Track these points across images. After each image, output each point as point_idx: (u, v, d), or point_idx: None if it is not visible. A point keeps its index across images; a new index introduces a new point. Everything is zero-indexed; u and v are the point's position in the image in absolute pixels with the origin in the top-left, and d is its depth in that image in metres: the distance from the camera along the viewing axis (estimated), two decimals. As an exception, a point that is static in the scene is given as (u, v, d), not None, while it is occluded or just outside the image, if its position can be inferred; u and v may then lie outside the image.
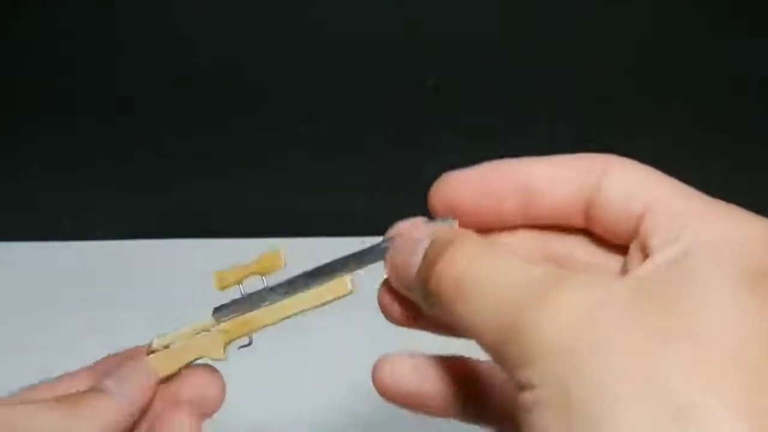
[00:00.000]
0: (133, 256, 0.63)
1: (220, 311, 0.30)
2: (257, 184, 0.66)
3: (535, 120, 0.65)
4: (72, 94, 0.63)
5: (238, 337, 0.30)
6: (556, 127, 0.65)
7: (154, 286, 0.59)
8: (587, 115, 0.65)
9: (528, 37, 0.63)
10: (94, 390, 0.28)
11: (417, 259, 0.26)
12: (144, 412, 0.29)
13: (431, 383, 0.28)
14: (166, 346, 0.30)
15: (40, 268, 0.62)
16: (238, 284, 0.30)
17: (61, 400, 0.28)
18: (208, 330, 0.30)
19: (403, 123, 0.65)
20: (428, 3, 0.62)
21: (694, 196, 0.24)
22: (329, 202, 0.66)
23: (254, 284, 0.30)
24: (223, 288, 0.30)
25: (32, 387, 0.30)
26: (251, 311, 0.30)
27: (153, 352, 0.30)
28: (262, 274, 0.30)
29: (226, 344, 0.30)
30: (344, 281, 0.28)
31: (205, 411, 0.30)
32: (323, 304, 0.29)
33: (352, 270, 0.28)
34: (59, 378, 0.30)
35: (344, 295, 0.28)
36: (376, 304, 0.29)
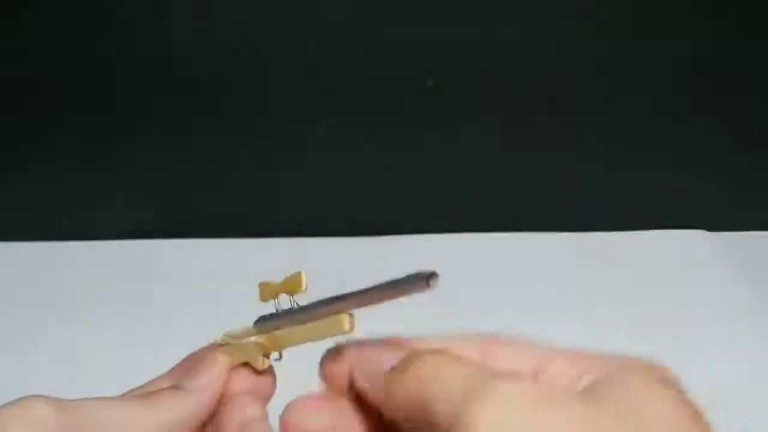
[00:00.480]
0: (133, 256, 0.63)
1: (259, 322, 0.31)
2: (257, 184, 0.66)
3: (536, 120, 0.65)
4: (72, 94, 0.63)
5: (272, 350, 0.31)
6: (556, 127, 0.65)
7: (154, 286, 0.59)
8: (587, 115, 0.65)
9: (528, 37, 0.63)
10: (173, 387, 0.31)
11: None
12: (218, 403, 0.31)
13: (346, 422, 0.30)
14: (229, 344, 0.32)
15: (40, 268, 0.62)
16: (274, 299, 0.31)
17: (145, 395, 0.31)
18: (251, 336, 0.32)
19: (403, 123, 0.65)
20: (428, 3, 0.62)
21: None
22: (329, 202, 0.66)
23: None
24: (264, 300, 0.31)
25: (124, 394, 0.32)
26: (278, 330, 0.31)
27: (221, 345, 0.32)
28: (288, 293, 0.30)
29: (264, 355, 0.31)
30: (343, 321, 0.28)
31: (261, 398, 0.32)
32: (333, 335, 0.29)
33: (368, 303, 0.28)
34: (145, 384, 0.33)
35: (343, 333, 0.29)
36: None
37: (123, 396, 0.31)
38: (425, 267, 0.25)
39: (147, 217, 0.66)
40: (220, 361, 0.32)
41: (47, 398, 0.28)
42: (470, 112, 0.65)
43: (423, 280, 0.25)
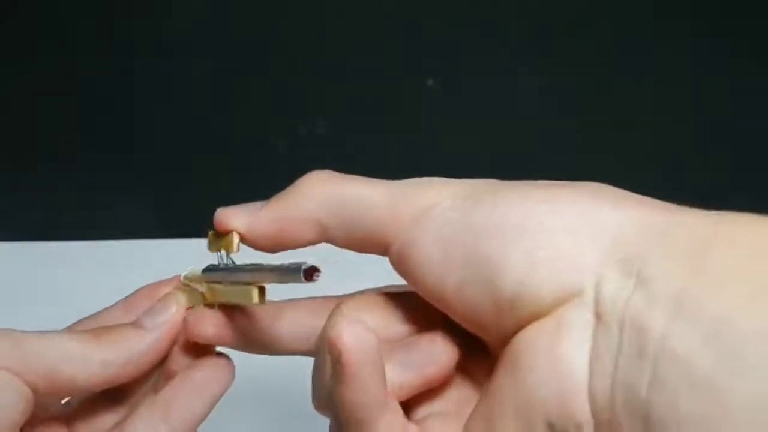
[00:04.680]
0: (133, 256, 0.63)
1: (206, 271, 0.32)
2: (257, 184, 0.66)
3: (536, 120, 0.65)
4: (72, 93, 0.63)
5: (209, 302, 0.31)
6: (556, 127, 0.65)
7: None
8: (587, 115, 0.65)
9: (529, 38, 0.63)
10: (132, 324, 0.31)
11: None
12: (172, 345, 0.31)
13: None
14: (186, 285, 0.32)
15: (40, 268, 0.62)
16: (218, 252, 0.31)
17: (93, 331, 0.30)
18: (201, 282, 0.32)
19: (403, 123, 0.65)
20: (428, 3, 0.62)
21: None
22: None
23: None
24: (210, 251, 0.31)
25: (73, 324, 0.32)
26: (210, 283, 0.31)
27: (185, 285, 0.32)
28: (225, 251, 0.31)
29: (205, 305, 0.31)
30: (252, 292, 0.29)
31: (216, 389, 0.31)
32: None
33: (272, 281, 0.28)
34: (98, 314, 0.32)
35: (252, 304, 0.29)
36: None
37: (79, 330, 0.30)
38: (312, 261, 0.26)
39: (147, 217, 0.66)
40: (180, 301, 0.31)
41: (2, 330, 0.28)
42: (470, 112, 0.65)
43: (300, 272, 0.26)
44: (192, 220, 0.66)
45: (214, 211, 0.35)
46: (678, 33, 0.63)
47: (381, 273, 0.29)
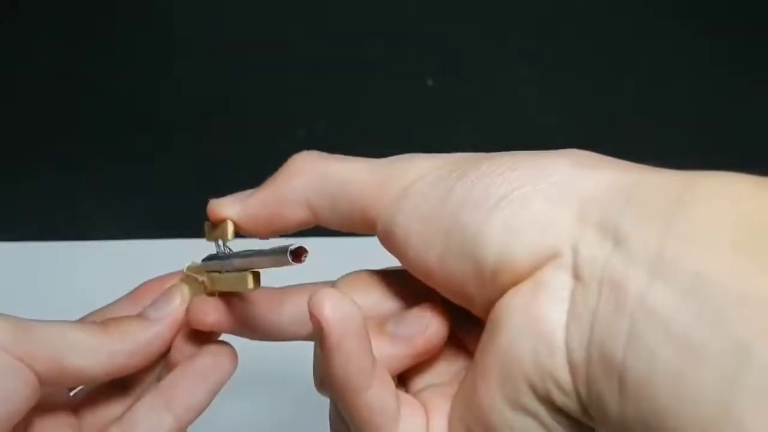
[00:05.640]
0: (133, 256, 0.63)
1: (205, 260, 0.32)
2: (257, 184, 0.66)
3: (536, 120, 0.65)
4: (72, 93, 0.63)
5: (210, 290, 0.31)
6: (556, 128, 0.65)
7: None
8: (587, 116, 0.65)
9: (529, 37, 0.63)
10: (137, 316, 0.31)
11: None
12: (174, 335, 0.32)
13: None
14: (188, 276, 0.32)
15: (40, 268, 0.62)
16: (215, 241, 0.31)
17: (109, 321, 0.31)
18: (202, 272, 0.32)
19: (403, 123, 0.65)
20: (428, 3, 0.62)
21: None
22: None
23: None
24: (208, 240, 0.32)
25: (81, 318, 0.32)
26: (209, 271, 0.31)
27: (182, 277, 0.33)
28: (220, 239, 0.31)
29: (208, 293, 0.32)
30: (247, 278, 0.29)
31: (218, 377, 0.31)
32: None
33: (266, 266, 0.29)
34: (105, 308, 0.33)
35: (247, 290, 0.29)
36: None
37: (84, 321, 0.31)
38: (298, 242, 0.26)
39: (147, 217, 0.66)
40: (184, 293, 0.32)
41: (6, 317, 0.28)
42: (470, 112, 0.65)
43: (288, 253, 0.26)
44: (192, 221, 0.67)
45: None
46: (678, 33, 0.63)
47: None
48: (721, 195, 0.22)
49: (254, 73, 0.63)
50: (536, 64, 0.64)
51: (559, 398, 0.23)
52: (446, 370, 0.29)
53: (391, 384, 0.27)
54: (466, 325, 0.28)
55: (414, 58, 0.63)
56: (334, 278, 0.32)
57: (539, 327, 0.23)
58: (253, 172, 0.66)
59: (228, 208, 0.31)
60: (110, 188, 0.66)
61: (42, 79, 0.63)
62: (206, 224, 0.32)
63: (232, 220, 0.30)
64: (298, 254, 0.26)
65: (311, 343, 0.30)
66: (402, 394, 0.28)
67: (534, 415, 0.24)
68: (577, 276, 0.23)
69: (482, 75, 0.64)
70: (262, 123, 0.65)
